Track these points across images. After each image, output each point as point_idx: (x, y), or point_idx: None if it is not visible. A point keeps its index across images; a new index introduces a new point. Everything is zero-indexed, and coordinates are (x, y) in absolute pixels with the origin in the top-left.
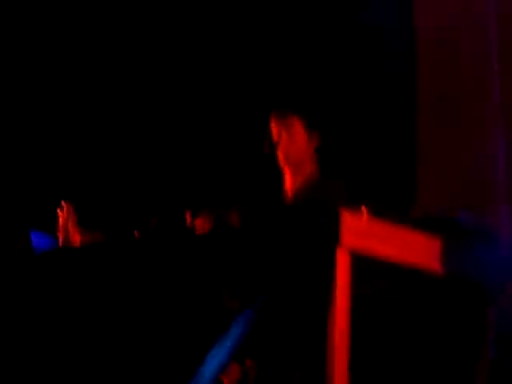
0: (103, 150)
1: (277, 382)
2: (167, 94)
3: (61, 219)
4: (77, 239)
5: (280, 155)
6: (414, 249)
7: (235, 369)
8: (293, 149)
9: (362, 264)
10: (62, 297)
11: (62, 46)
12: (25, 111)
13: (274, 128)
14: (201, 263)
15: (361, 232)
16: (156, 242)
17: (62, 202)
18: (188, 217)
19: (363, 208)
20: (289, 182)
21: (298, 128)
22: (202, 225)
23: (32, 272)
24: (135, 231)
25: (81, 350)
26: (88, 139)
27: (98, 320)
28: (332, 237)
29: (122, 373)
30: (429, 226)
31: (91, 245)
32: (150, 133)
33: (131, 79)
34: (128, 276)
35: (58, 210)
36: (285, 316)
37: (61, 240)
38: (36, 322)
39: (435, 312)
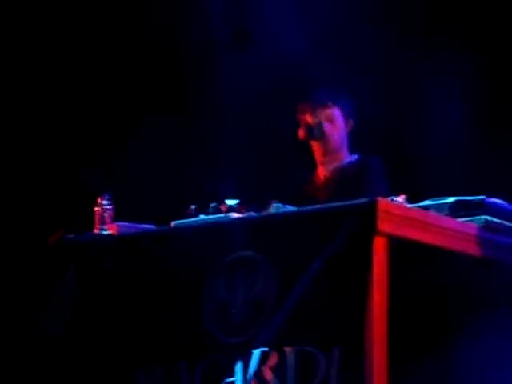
0: (138, 143)
1: (315, 369)
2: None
3: (97, 212)
4: (113, 231)
5: (320, 143)
6: (449, 234)
7: (274, 355)
8: (334, 137)
9: (400, 250)
10: (98, 285)
11: None
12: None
13: (312, 116)
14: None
15: (397, 219)
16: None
17: (98, 197)
18: (223, 208)
19: (400, 195)
20: (324, 170)
21: (338, 115)
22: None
23: (67, 261)
24: (171, 221)
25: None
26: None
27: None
28: (369, 224)
29: None
30: (460, 209)
31: (127, 235)
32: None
33: None
34: (163, 265)
35: (95, 205)
36: (324, 303)
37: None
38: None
39: (470, 296)
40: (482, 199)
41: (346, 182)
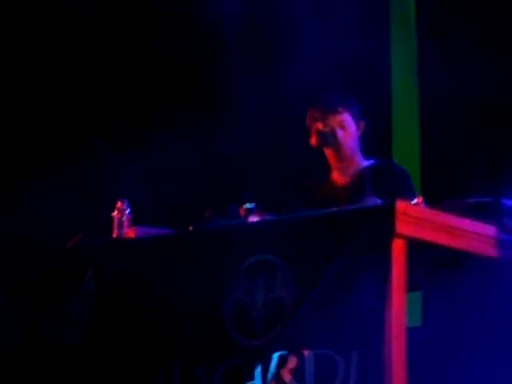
0: (155, 148)
1: (333, 372)
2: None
3: (116, 217)
4: (132, 235)
5: (333, 150)
6: (467, 236)
7: (293, 359)
8: (347, 143)
9: (418, 252)
10: (117, 287)
11: None
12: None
13: (323, 123)
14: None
15: (416, 221)
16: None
17: (118, 201)
18: (242, 211)
19: (417, 197)
20: (341, 175)
21: (349, 120)
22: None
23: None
24: (190, 225)
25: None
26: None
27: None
28: (387, 226)
29: None
30: (477, 211)
31: (145, 238)
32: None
33: None
34: (182, 269)
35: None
36: (342, 306)
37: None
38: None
39: (491, 298)
40: (499, 200)
41: (368, 189)
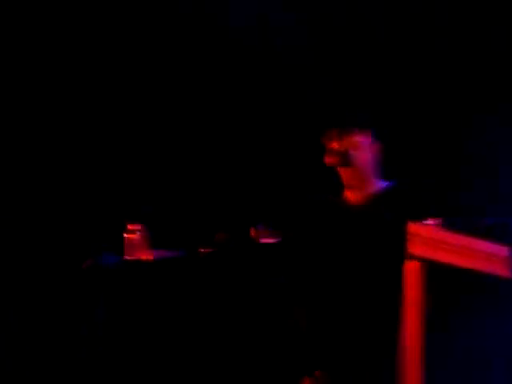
0: (169, 167)
1: None
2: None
3: (127, 239)
4: (144, 257)
5: (347, 171)
6: (480, 256)
7: (306, 381)
8: (362, 164)
9: (432, 273)
10: (129, 308)
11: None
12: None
13: (338, 143)
14: (269, 276)
15: (429, 241)
16: (222, 257)
17: (127, 222)
18: (253, 233)
19: (430, 218)
20: (354, 195)
21: (365, 142)
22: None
23: (101, 286)
24: (201, 248)
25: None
26: (154, 158)
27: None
28: (402, 247)
29: None
30: (486, 232)
31: (159, 260)
32: (214, 151)
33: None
34: (194, 290)
35: (125, 231)
36: (356, 327)
37: (128, 259)
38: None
39: (505, 318)
40: (509, 220)
41: (384, 212)
